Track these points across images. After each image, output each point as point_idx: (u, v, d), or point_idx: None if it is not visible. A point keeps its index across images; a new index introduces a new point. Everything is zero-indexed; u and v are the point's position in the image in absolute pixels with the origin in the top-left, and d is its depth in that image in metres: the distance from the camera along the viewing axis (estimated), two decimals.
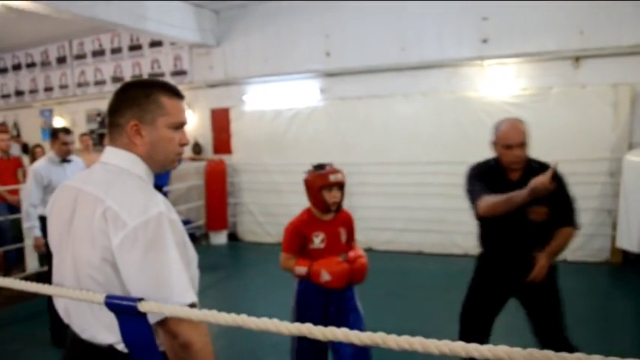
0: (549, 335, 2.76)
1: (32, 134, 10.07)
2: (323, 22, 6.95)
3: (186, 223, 8.04)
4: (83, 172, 1.56)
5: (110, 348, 1.40)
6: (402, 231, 6.82)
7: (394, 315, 4.62)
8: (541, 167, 2.69)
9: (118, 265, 1.30)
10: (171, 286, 1.31)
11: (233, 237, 8.00)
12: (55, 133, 4.35)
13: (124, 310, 1.24)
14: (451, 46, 6.31)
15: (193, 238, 8.07)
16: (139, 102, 1.44)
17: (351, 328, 2.42)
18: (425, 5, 6.36)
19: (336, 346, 2.77)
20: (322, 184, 2.75)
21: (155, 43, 8.33)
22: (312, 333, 1.04)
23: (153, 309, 1.17)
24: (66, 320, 1.50)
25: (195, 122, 8.31)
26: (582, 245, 5.91)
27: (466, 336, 2.93)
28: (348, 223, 2.99)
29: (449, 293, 5.14)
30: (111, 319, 1.33)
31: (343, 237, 2.92)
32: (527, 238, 2.74)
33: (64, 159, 4.35)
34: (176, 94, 1.51)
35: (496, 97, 6.25)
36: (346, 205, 7.07)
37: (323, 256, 2.74)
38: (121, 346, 1.38)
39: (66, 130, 4.37)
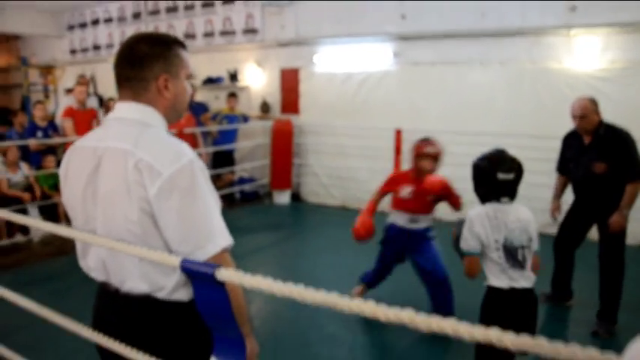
0: (606, 250, 3.75)
1: (108, 88, 10.41)
2: None
3: (250, 180, 8.19)
4: (95, 130, 1.56)
5: (148, 297, 1.43)
6: (471, 203, 6.64)
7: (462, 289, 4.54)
8: (606, 133, 3.65)
9: (155, 215, 1.34)
10: (212, 229, 1.36)
11: (296, 197, 8.09)
12: None
13: (200, 276, 1.21)
14: (535, 12, 5.94)
15: (257, 196, 8.22)
16: (165, 56, 1.49)
17: (425, 251, 3.81)
18: None
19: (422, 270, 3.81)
20: (417, 153, 3.68)
21: (227, 0, 8.33)
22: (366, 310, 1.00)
23: (232, 278, 1.12)
24: (100, 276, 1.52)
25: (265, 81, 8.35)
26: None
27: (555, 249, 4.13)
28: (441, 189, 3.64)
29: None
30: (148, 269, 1.40)
31: (429, 197, 3.68)
32: (594, 184, 3.76)
33: None
34: (185, 47, 1.58)
35: (581, 69, 5.90)
36: None
37: (407, 205, 3.73)
38: (161, 294, 1.42)
39: None
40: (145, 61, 1.46)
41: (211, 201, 1.38)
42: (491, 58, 6.41)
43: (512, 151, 6.27)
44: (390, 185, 3.81)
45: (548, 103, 6.03)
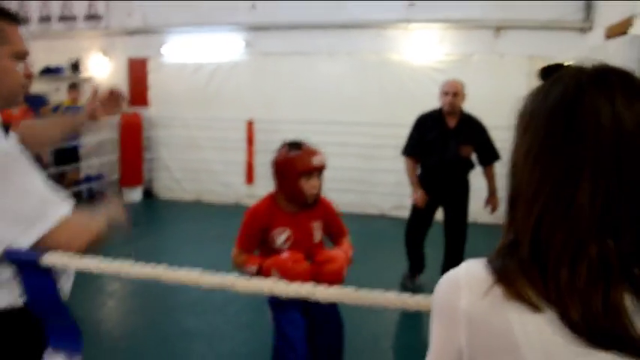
0: (456, 228, 4.02)
1: None
2: None
3: (98, 178, 7.65)
4: None
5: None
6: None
7: None
8: (470, 120, 3.88)
9: None
10: (30, 212, 1.23)
11: (148, 194, 7.68)
12: None
13: (26, 264, 1.15)
14: (378, 7, 6.26)
15: (104, 195, 7.70)
16: None
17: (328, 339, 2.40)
18: None
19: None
20: (302, 169, 2.21)
21: None
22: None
23: (56, 261, 1.06)
24: None
25: (110, 72, 7.82)
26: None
27: (409, 237, 4.16)
28: (326, 216, 2.40)
29: (365, 253, 5.18)
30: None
31: (317, 235, 2.35)
32: (458, 165, 3.91)
33: None
34: (17, 19, 1.37)
35: (420, 61, 6.29)
36: (266, 162, 7.00)
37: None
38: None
39: None
40: None
41: (24, 180, 1.23)
42: (339, 49, 6.59)
43: (360, 139, 6.52)
44: (253, 231, 2.32)
45: (392, 92, 6.34)
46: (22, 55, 1.36)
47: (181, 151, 7.41)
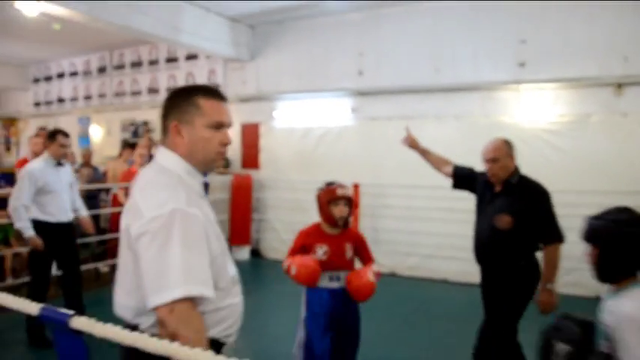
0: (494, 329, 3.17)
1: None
2: (357, 41, 6.88)
3: None
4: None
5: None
6: (428, 257, 6.59)
7: (410, 345, 4.42)
8: (520, 182, 3.06)
9: (136, 255, 1.42)
10: (168, 276, 1.36)
11: (256, 253, 7.91)
12: (53, 135, 4.34)
13: (57, 324, 1.17)
14: (486, 68, 6.12)
15: None
16: (179, 105, 1.59)
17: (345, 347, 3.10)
18: (461, 26, 6.22)
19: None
20: (330, 197, 3.06)
21: (191, 56, 8.42)
22: None
23: (83, 327, 1.06)
24: None
25: None
26: None
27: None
28: (357, 241, 3.21)
29: (471, 324, 4.88)
30: (128, 305, 1.51)
31: (349, 253, 3.13)
32: (494, 240, 3.07)
33: (59, 162, 4.36)
34: (216, 95, 1.62)
35: (532, 123, 6.00)
36: (371, 226, 6.94)
37: (324, 264, 3.04)
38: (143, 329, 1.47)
39: (64, 133, 4.39)
40: (166, 111, 1.62)
41: (178, 249, 1.37)
42: (446, 112, 6.50)
43: (468, 205, 6.24)
44: (298, 246, 3.18)
45: None
46: (216, 125, 1.59)
47: (288, 213, 7.58)
